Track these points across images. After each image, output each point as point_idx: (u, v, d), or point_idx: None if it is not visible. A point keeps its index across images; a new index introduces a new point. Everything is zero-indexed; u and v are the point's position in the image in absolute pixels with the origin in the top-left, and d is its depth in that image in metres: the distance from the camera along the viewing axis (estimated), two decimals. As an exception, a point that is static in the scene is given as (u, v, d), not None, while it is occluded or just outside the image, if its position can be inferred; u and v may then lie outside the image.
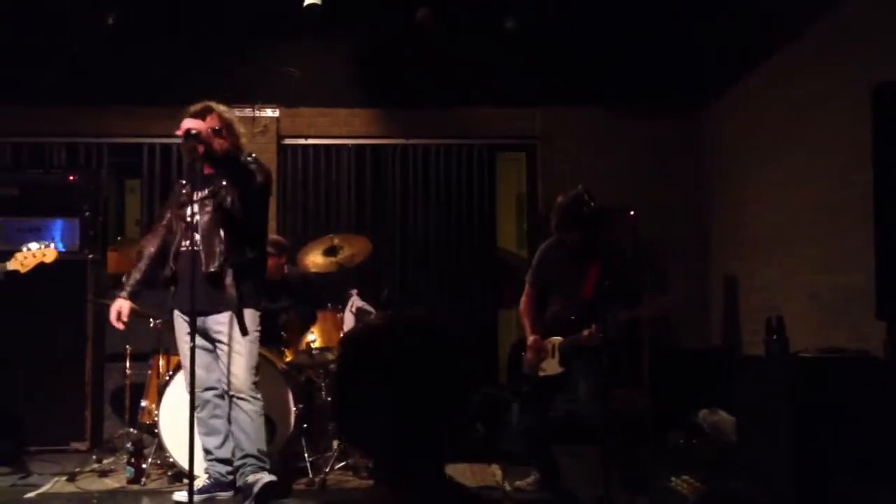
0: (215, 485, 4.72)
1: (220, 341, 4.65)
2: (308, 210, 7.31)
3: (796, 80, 5.76)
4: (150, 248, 4.83)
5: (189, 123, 4.41)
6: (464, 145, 7.42)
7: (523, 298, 5.16)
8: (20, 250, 4.96)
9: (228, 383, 4.63)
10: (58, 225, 6.44)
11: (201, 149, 4.43)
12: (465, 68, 7.04)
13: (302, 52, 7.01)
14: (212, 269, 4.59)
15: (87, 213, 6.60)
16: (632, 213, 5.26)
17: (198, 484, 4.58)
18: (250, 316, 4.70)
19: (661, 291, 6.72)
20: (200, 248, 4.61)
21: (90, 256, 6.54)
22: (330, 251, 5.70)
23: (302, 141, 7.24)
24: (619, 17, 6.67)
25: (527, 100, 7.25)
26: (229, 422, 4.65)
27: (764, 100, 6.26)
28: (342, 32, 6.87)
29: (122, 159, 7.37)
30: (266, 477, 4.56)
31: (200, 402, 4.65)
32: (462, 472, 5.45)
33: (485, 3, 6.72)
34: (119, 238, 7.13)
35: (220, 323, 4.63)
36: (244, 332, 4.64)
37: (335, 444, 5.59)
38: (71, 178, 6.68)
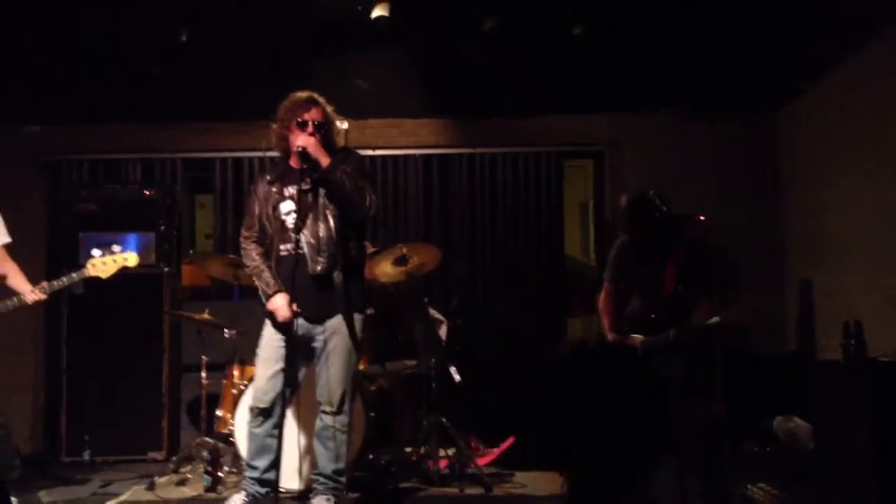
0: (253, 502, 4.56)
1: (319, 348, 4.54)
2: (377, 220, 7.36)
3: (875, 79, 5.60)
4: (259, 249, 4.66)
5: (301, 141, 4.44)
6: (531, 154, 7.40)
7: (602, 296, 5.16)
8: (93, 256, 4.99)
9: (319, 393, 4.55)
10: (134, 239, 6.60)
11: (305, 165, 4.44)
12: (531, 76, 7.01)
13: (370, 65, 7.06)
14: (318, 271, 4.45)
15: (163, 227, 6.77)
16: (702, 217, 5.20)
17: (235, 502, 4.56)
18: (357, 322, 4.58)
19: (737, 298, 6.62)
20: (304, 248, 4.44)
21: (166, 270, 6.70)
22: (399, 261, 5.72)
23: (370, 152, 7.30)
24: (688, 20, 6.57)
25: (594, 107, 7.20)
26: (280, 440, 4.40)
27: (841, 101, 6.10)
28: (409, 44, 6.90)
29: (192, 174, 7.51)
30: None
31: (262, 414, 4.54)
32: (533, 480, 5.43)
33: (552, 10, 6.69)
34: (192, 252, 7.28)
35: (324, 330, 4.52)
36: (354, 338, 4.51)
37: (407, 452, 5.63)
38: (147, 192, 6.87)
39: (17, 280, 5.05)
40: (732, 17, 6.44)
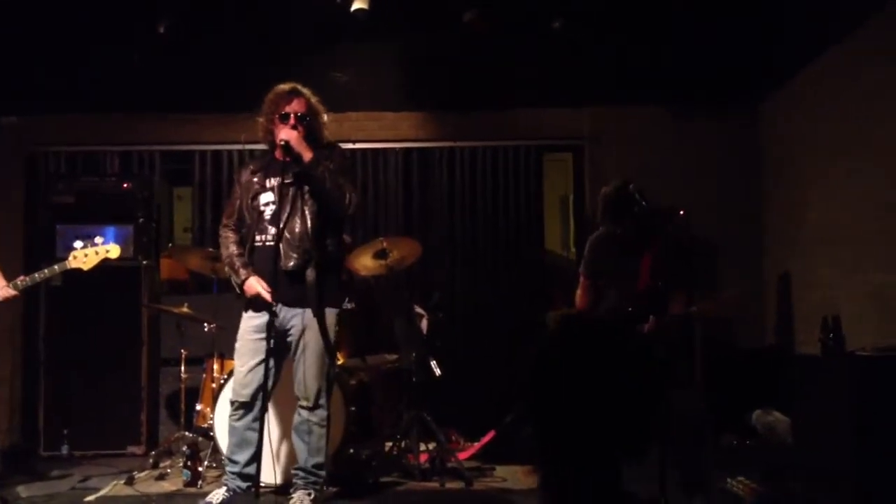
0: (234, 497, 4.54)
1: (294, 343, 4.52)
2: (356, 214, 7.31)
3: (857, 73, 5.63)
4: (235, 238, 4.66)
5: (284, 135, 4.41)
6: (510, 147, 7.40)
7: (578, 291, 5.16)
8: (74, 248, 4.98)
9: (296, 388, 4.54)
10: (112, 232, 6.54)
11: (288, 159, 4.43)
12: (512, 70, 7.00)
13: (350, 57, 7.03)
14: (291, 266, 4.43)
15: (141, 220, 6.72)
16: (682, 212, 5.21)
17: (216, 498, 4.53)
18: (331, 317, 4.57)
19: (717, 290, 6.65)
20: (280, 242, 4.41)
21: (144, 262, 6.66)
22: (380, 254, 5.71)
23: (350, 145, 7.26)
24: (668, 14, 6.58)
25: (575, 100, 7.19)
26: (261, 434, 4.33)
27: (823, 94, 6.13)
28: (390, 36, 6.87)
29: (170, 167, 7.45)
30: (303, 499, 4.49)
31: (242, 408, 4.53)
32: (514, 475, 5.44)
33: (532, 3, 6.69)
34: (170, 245, 7.23)
35: (296, 324, 4.50)
36: (325, 333, 4.49)
37: (388, 446, 5.63)
38: (125, 185, 6.81)
39: None
40: (713, 10, 6.46)
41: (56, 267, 4.97)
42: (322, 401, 4.56)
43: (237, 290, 4.59)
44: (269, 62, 6.50)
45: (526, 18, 6.75)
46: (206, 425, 5.53)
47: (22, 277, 5.01)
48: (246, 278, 4.51)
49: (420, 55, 7.01)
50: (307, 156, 4.43)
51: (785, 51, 6.56)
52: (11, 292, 4.96)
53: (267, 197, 4.57)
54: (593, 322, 1.70)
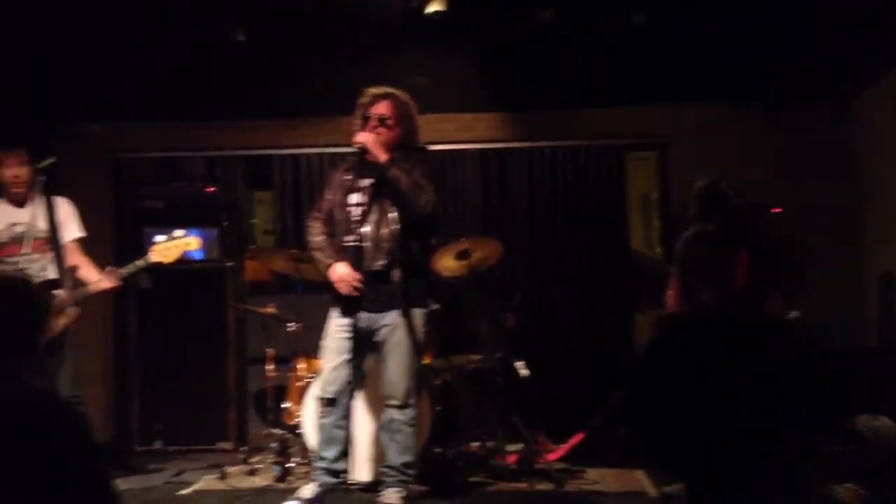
0: (324, 492, 4.60)
1: (382, 342, 4.57)
2: (437, 215, 7.30)
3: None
4: (322, 228, 4.72)
5: (360, 138, 4.51)
6: (591, 146, 7.30)
7: (670, 292, 5.08)
8: (155, 242, 5.05)
9: (385, 387, 4.59)
10: (197, 234, 6.64)
11: (371, 158, 4.50)
12: (591, 68, 6.91)
13: (427, 59, 7.03)
14: (377, 266, 4.49)
15: (226, 223, 6.85)
16: (776, 209, 5.10)
17: (306, 493, 4.58)
18: (418, 317, 4.62)
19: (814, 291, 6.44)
20: (367, 242, 4.49)
21: (229, 264, 6.77)
22: (462, 255, 5.69)
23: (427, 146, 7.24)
24: (754, 7, 6.43)
25: (658, 98, 7.03)
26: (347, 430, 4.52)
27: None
28: (466, 37, 6.87)
29: (250, 171, 7.55)
30: (394, 497, 4.53)
31: (329, 405, 4.59)
32: (604, 477, 5.36)
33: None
34: (253, 247, 7.34)
35: (384, 324, 4.55)
36: (413, 333, 4.52)
37: (474, 446, 5.60)
38: (210, 189, 6.95)
39: (88, 271, 5.15)
40: (803, 3, 6.30)
41: (139, 262, 5.04)
42: (411, 400, 4.60)
43: (324, 270, 4.62)
44: (347, 66, 6.56)
45: (606, 14, 6.67)
46: (293, 422, 5.58)
47: (117, 269, 5.08)
48: (333, 263, 4.55)
49: (497, 55, 6.99)
50: (382, 158, 4.50)
51: (878, 42, 6.33)
52: (115, 281, 5.03)
53: (357, 197, 4.61)
54: (707, 317, 1.63)
